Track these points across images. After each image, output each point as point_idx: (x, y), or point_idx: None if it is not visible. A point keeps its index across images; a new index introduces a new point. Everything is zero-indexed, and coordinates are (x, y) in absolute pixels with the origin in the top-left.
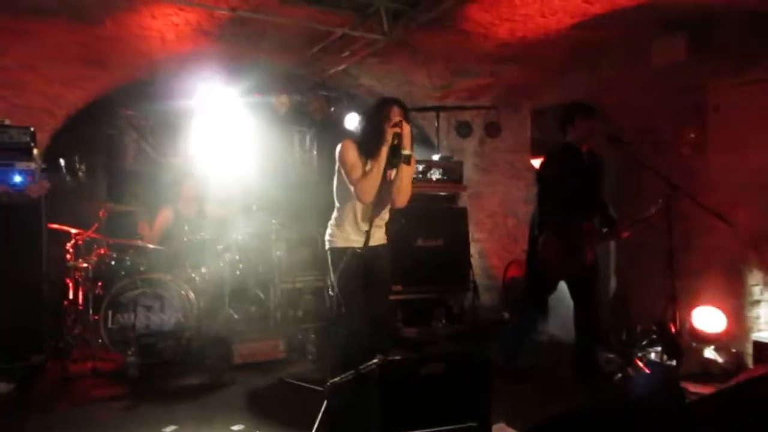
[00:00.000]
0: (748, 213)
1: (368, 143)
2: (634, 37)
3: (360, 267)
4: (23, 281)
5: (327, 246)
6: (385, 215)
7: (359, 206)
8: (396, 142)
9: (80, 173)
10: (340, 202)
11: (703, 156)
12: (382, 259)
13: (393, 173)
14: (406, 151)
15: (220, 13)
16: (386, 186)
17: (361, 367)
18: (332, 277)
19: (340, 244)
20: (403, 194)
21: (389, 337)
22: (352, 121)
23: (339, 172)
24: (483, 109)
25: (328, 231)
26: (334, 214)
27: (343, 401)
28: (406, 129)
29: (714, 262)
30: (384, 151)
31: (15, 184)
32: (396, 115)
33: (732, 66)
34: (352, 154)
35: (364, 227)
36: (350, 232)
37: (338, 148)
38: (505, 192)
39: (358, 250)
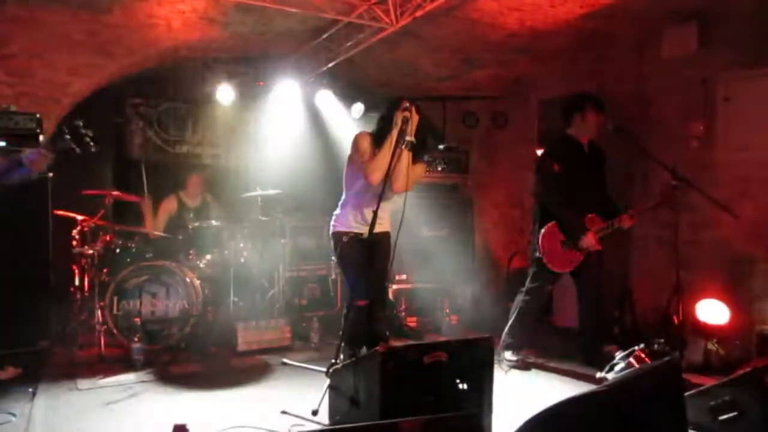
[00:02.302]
0: (755, 206)
1: (380, 132)
2: (643, 27)
3: (361, 251)
4: (30, 267)
5: (330, 231)
6: (389, 205)
7: (364, 195)
8: (404, 127)
9: (87, 139)
10: (347, 190)
11: (711, 148)
12: (383, 246)
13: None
14: (409, 137)
15: (226, 0)
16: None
17: (363, 353)
18: (334, 260)
19: (342, 228)
20: (400, 179)
21: (388, 322)
22: (358, 111)
23: (350, 160)
24: (490, 99)
25: (333, 217)
26: (340, 202)
27: (344, 387)
28: (415, 117)
29: (719, 255)
30: (393, 135)
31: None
32: (406, 103)
33: (743, 58)
34: (366, 142)
35: (368, 215)
36: (353, 219)
37: (353, 137)
38: (512, 183)
39: (361, 236)
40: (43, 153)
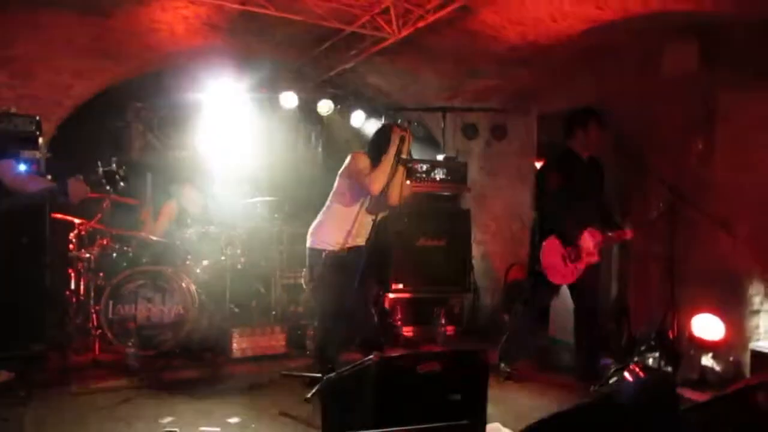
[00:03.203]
0: (752, 224)
1: (377, 149)
2: (644, 44)
3: (334, 271)
4: (26, 270)
5: (310, 244)
6: (370, 224)
7: (355, 209)
8: (400, 146)
9: (118, 177)
10: (335, 205)
11: (709, 166)
12: (360, 256)
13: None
14: (404, 155)
15: (230, 7)
16: (380, 198)
17: (358, 363)
18: (307, 275)
19: (320, 246)
20: (397, 192)
21: (376, 329)
22: (359, 119)
23: (348, 177)
24: (490, 111)
25: (314, 231)
26: (323, 214)
27: (339, 397)
28: (410, 137)
29: (715, 270)
30: (392, 150)
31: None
32: (403, 125)
33: (744, 76)
34: (365, 160)
35: (357, 227)
36: (337, 233)
37: (349, 158)
38: (511, 195)
39: (337, 253)
40: (83, 185)
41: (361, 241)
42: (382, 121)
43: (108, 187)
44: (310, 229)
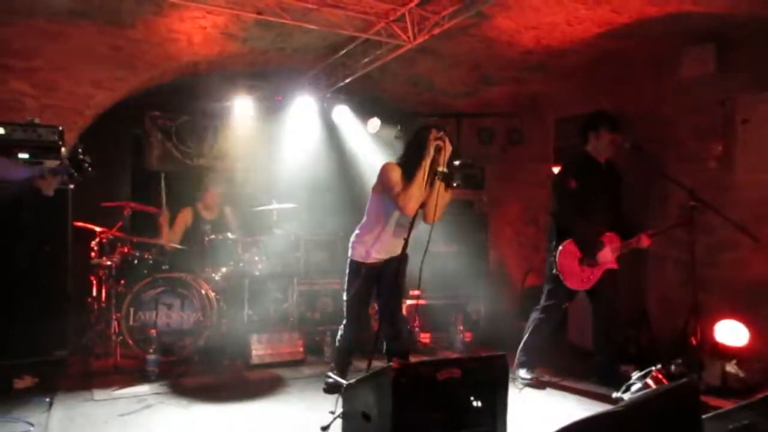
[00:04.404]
0: None
1: (408, 161)
2: (660, 48)
3: (368, 284)
4: (49, 277)
5: (350, 255)
6: (413, 232)
7: (390, 224)
8: (436, 156)
9: (85, 165)
10: (370, 220)
11: (729, 170)
12: (394, 268)
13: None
14: (442, 168)
15: (247, 16)
16: (414, 217)
17: (377, 369)
18: (345, 284)
19: (359, 259)
20: (434, 211)
21: (403, 339)
22: (374, 126)
23: (379, 190)
24: (506, 116)
25: (354, 241)
26: (362, 227)
27: (357, 402)
28: (448, 147)
29: (737, 277)
30: (425, 164)
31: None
32: (439, 132)
33: (761, 80)
34: (396, 173)
35: (391, 243)
36: (373, 248)
37: (381, 168)
38: (527, 200)
39: (373, 266)
40: (49, 179)
41: (398, 250)
42: (398, 129)
43: (75, 173)
44: (350, 240)
